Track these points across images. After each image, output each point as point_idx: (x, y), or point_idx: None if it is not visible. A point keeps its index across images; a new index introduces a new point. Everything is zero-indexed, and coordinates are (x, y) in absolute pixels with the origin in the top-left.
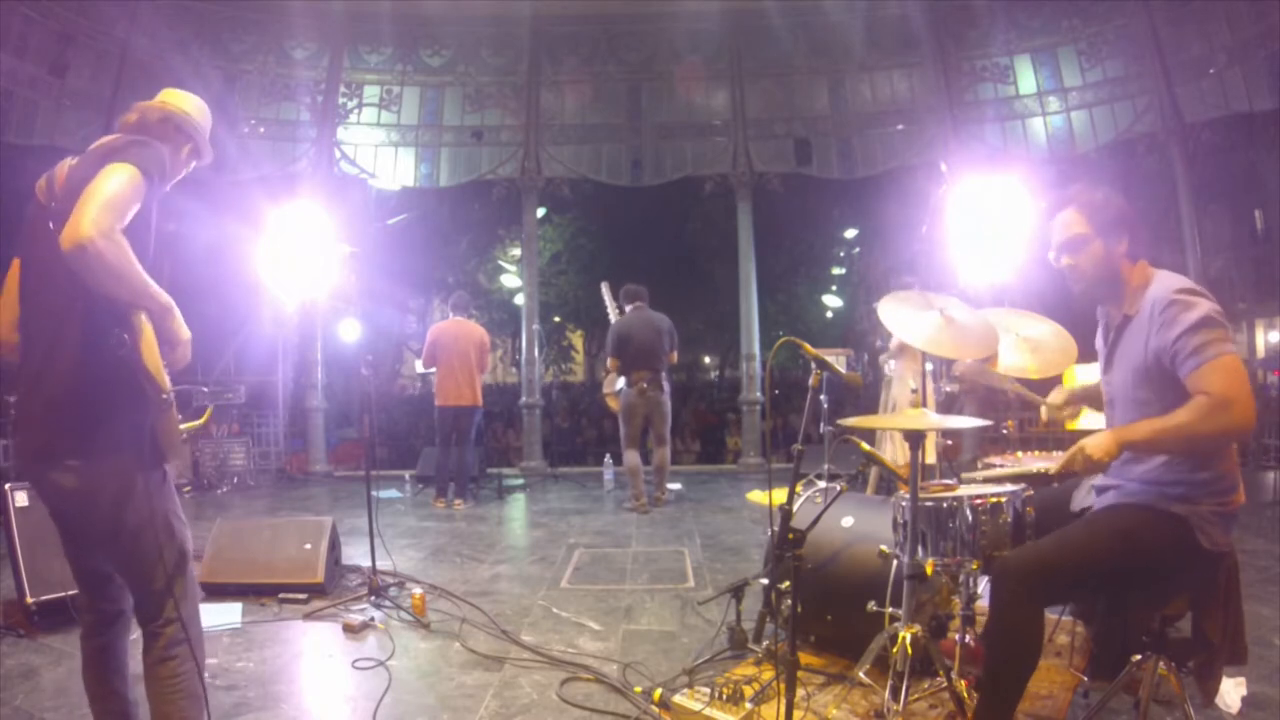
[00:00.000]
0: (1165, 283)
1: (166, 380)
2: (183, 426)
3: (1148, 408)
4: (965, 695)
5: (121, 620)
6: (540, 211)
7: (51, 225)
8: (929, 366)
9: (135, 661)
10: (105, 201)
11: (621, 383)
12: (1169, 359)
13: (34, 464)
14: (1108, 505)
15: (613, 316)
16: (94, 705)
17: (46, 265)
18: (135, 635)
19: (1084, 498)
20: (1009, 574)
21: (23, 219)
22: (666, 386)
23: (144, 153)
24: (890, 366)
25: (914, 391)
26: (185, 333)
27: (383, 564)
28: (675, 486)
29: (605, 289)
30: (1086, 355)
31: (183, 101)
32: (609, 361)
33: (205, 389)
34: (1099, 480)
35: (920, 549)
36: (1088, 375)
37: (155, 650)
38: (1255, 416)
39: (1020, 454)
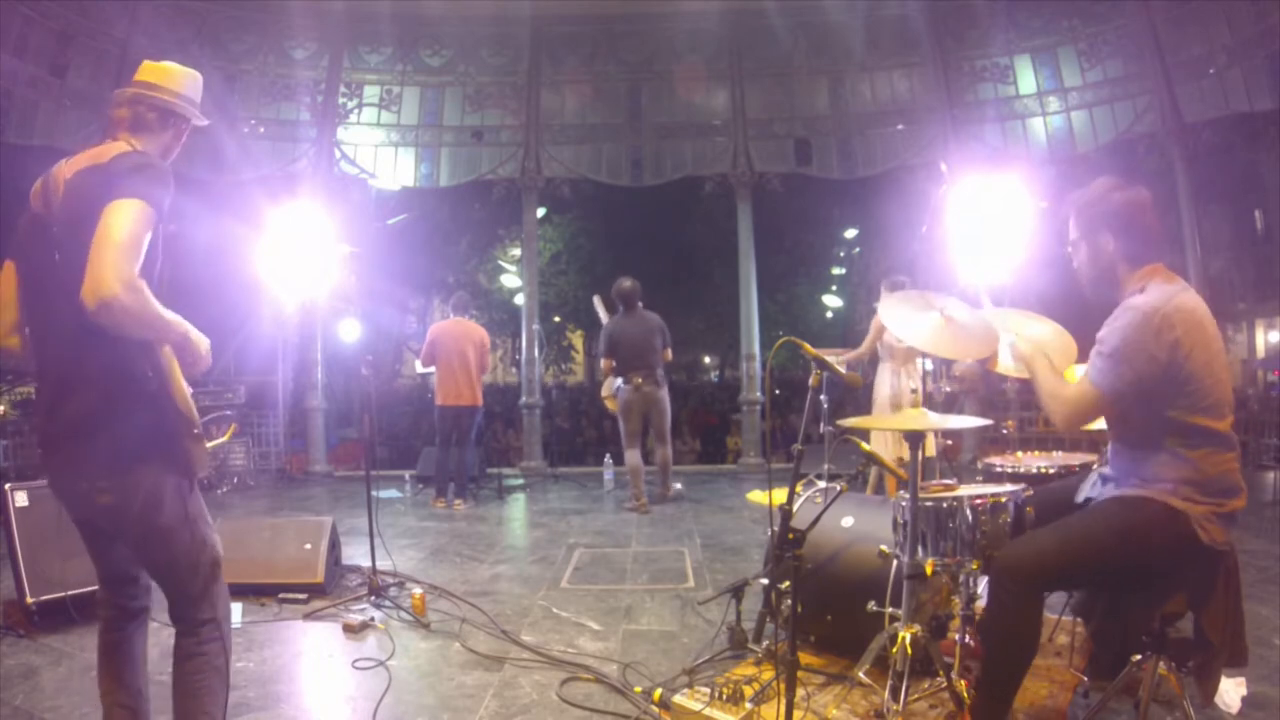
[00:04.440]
0: (1149, 295)
1: (196, 414)
2: (210, 444)
3: (1127, 416)
4: (965, 695)
5: (142, 617)
6: (540, 211)
7: (57, 255)
8: (929, 366)
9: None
10: (121, 247)
11: (618, 383)
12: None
13: (62, 480)
14: (1108, 498)
15: None
16: (105, 698)
17: (48, 284)
18: (155, 623)
19: (1088, 490)
20: (1008, 565)
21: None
22: (664, 383)
23: (150, 180)
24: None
25: (914, 391)
26: (204, 344)
27: (383, 564)
28: (677, 486)
29: (598, 302)
30: (1087, 355)
31: (170, 81)
32: (603, 363)
33: (229, 412)
34: (1103, 472)
35: (920, 549)
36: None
37: (186, 647)
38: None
39: (1020, 454)
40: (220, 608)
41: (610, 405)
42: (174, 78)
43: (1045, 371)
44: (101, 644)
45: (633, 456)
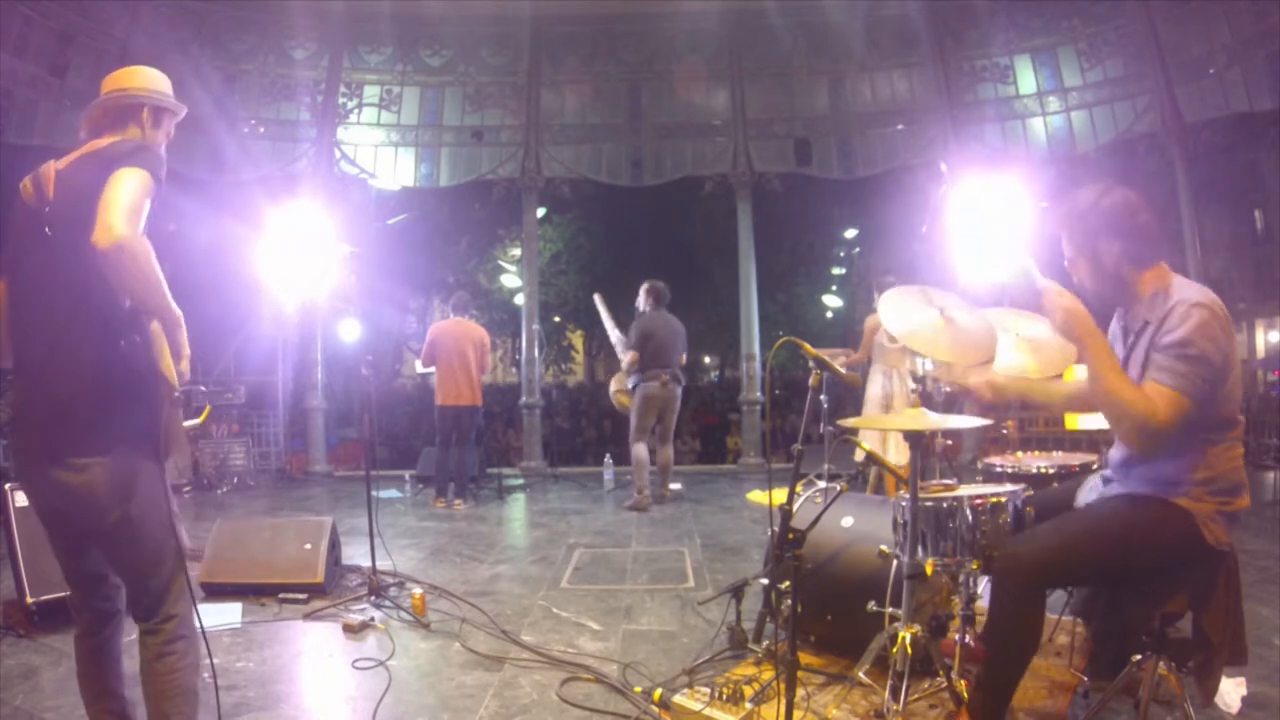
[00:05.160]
0: (1187, 292)
1: (176, 379)
2: (185, 425)
3: None
4: (965, 695)
5: (117, 619)
6: (540, 211)
7: (48, 230)
8: (929, 365)
9: (131, 660)
10: (129, 205)
11: (634, 379)
12: (1158, 351)
13: (35, 464)
14: (1112, 495)
15: (609, 327)
16: (90, 706)
17: (41, 270)
18: (131, 635)
19: (1087, 495)
20: (1009, 562)
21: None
22: (681, 383)
23: (149, 157)
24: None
25: (913, 391)
26: (187, 348)
27: (383, 564)
28: (675, 486)
29: (600, 301)
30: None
31: (129, 80)
32: (629, 355)
33: (204, 389)
34: (1104, 475)
35: (920, 549)
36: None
37: (153, 647)
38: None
39: (1020, 454)
40: (184, 603)
41: (623, 400)
42: (133, 76)
43: (1115, 371)
44: (79, 651)
45: (640, 450)
